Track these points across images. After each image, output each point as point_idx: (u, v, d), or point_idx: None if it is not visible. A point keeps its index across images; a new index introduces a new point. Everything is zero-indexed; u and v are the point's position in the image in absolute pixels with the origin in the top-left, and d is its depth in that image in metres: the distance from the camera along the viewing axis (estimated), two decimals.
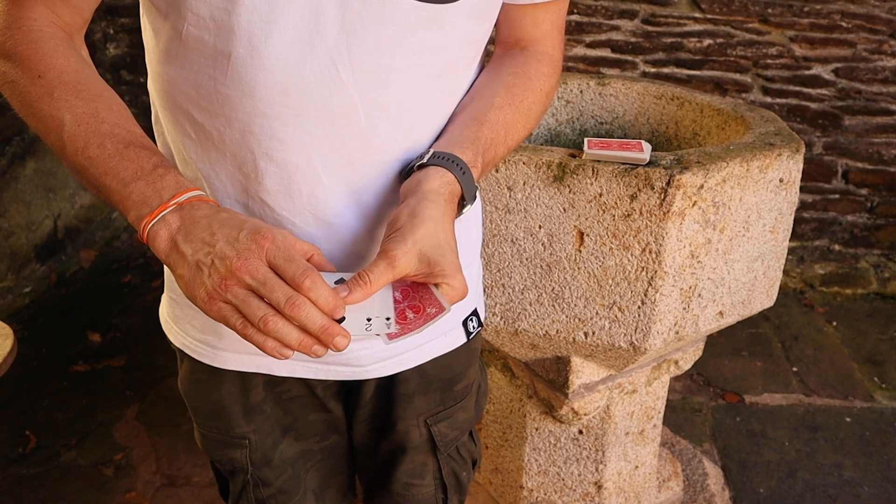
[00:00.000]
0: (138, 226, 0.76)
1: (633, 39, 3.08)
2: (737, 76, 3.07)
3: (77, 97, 0.80)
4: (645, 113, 1.79)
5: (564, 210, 1.35)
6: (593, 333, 1.42)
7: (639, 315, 1.38)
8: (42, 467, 2.17)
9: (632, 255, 1.34)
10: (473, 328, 1.09)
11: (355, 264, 0.94)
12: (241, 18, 0.79)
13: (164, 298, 1.10)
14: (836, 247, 3.27)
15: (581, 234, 1.36)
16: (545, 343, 1.50)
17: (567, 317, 1.42)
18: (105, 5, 3.40)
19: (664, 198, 1.29)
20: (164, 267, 1.05)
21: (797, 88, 3.06)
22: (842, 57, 3.00)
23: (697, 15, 3.01)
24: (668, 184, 1.28)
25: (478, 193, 0.95)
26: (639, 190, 1.30)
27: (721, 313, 1.46)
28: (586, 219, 1.34)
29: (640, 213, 1.31)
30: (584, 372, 1.57)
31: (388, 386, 1.10)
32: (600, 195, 1.32)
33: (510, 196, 1.37)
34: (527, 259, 1.40)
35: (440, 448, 1.16)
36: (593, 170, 1.31)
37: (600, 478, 1.79)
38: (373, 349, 1.01)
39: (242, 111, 0.84)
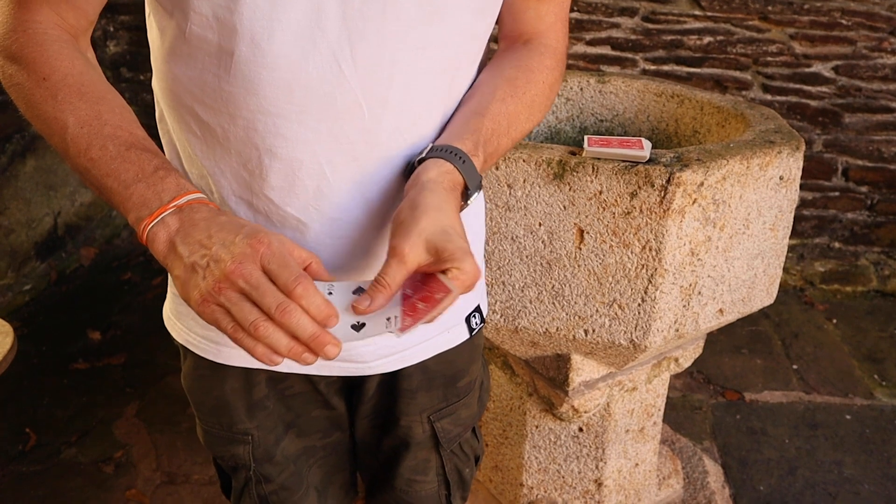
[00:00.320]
0: (138, 227, 0.77)
1: (633, 37, 3.08)
2: (737, 74, 3.07)
3: (81, 99, 0.80)
4: (645, 110, 1.79)
5: (564, 208, 1.35)
6: (593, 331, 1.42)
7: (639, 312, 1.38)
8: (42, 465, 2.17)
9: (632, 252, 1.34)
10: (476, 324, 1.09)
11: (361, 259, 0.95)
12: (243, 17, 0.79)
13: (167, 295, 1.11)
14: (837, 244, 3.27)
15: (581, 232, 1.36)
16: (545, 341, 1.50)
17: (567, 314, 1.42)
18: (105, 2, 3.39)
19: (664, 195, 1.29)
20: None
21: (797, 86, 3.06)
22: (842, 54, 3.00)
23: (697, 12, 3.01)
24: (668, 181, 1.28)
25: (482, 185, 0.95)
26: (639, 187, 1.30)
27: (721, 311, 1.46)
28: (586, 216, 1.34)
29: (641, 210, 1.31)
30: (584, 369, 1.57)
31: (391, 382, 1.10)
32: (600, 193, 1.32)
33: (510, 194, 1.37)
34: (527, 257, 1.40)
35: (443, 444, 1.16)
36: (593, 167, 1.31)
37: (600, 475, 1.79)
38: (375, 345, 1.01)
39: (246, 109, 0.84)
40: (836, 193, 3.20)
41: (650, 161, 1.31)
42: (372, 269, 0.96)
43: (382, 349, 1.02)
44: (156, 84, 0.95)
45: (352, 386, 1.13)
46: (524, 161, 1.34)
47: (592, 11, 3.06)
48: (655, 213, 1.30)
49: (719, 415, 2.46)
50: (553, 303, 1.42)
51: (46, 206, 3.15)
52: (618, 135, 1.81)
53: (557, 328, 1.44)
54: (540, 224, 1.37)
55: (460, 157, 0.86)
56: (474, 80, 0.97)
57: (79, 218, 3.34)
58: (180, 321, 1.06)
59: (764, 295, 1.53)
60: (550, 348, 1.55)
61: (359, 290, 0.78)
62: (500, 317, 1.47)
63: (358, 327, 0.77)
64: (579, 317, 1.42)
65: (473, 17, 0.89)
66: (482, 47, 0.96)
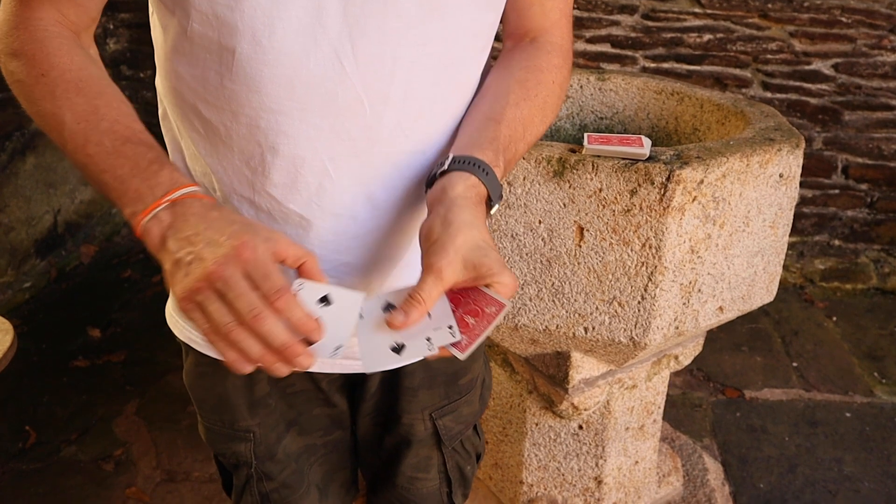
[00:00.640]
0: (133, 222, 0.77)
1: (633, 34, 3.07)
2: (737, 71, 3.07)
3: (78, 95, 0.81)
4: (645, 108, 1.78)
5: (564, 205, 1.35)
6: (593, 329, 1.42)
7: (639, 310, 1.38)
8: (42, 463, 2.17)
9: (632, 250, 1.34)
10: None
11: (364, 255, 0.94)
12: (244, 14, 0.79)
13: (170, 294, 1.10)
14: (836, 242, 3.27)
15: (581, 230, 1.36)
16: (545, 338, 1.50)
17: (567, 312, 1.42)
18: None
19: (664, 193, 1.29)
20: None
21: (797, 84, 3.06)
22: (842, 52, 3.00)
23: (697, 10, 3.01)
24: (668, 179, 1.28)
25: (503, 195, 0.94)
26: (639, 185, 1.30)
27: (721, 308, 1.46)
28: (586, 214, 1.34)
29: (640, 208, 1.31)
30: (584, 367, 1.57)
31: (393, 380, 1.10)
32: (600, 190, 1.32)
33: (510, 191, 1.37)
34: (527, 254, 1.40)
35: (445, 442, 1.17)
36: (593, 165, 1.31)
37: (600, 473, 1.79)
38: None
39: (248, 106, 0.85)
40: (836, 191, 3.20)
41: (650, 159, 1.31)
42: (375, 265, 0.96)
43: None
44: (159, 82, 0.95)
45: (353, 383, 1.13)
46: (524, 159, 1.34)
47: (592, 9, 3.06)
48: (655, 210, 1.30)
49: (719, 412, 2.46)
50: (553, 300, 1.42)
51: (46, 203, 3.15)
52: (617, 132, 1.81)
53: (557, 326, 1.44)
54: (540, 222, 1.37)
55: (484, 170, 0.85)
56: (480, 78, 0.97)
57: (79, 216, 3.34)
58: (183, 319, 1.06)
59: (764, 292, 1.53)
60: (550, 346, 1.55)
61: (389, 307, 0.77)
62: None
63: (398, 349, 0.75)
64: (579, 314, 1.42)
65: (476, 13, 0.89)
66: (487, 43, 0.95)
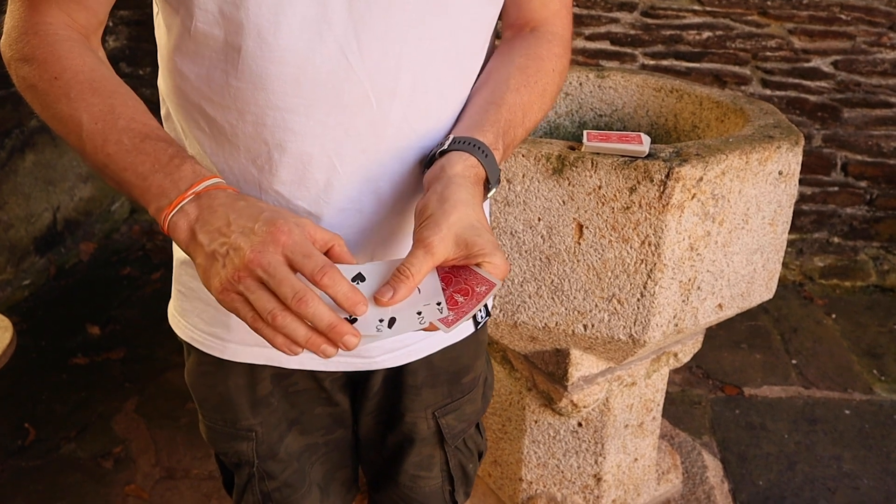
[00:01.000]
0: (159, 218, 0.77)
1: (632, 32, 3.07)
2: (736, 69, 3.07)
3: (93, 95, 0.80)
4: (644, 105, 1.78)
5: (564, 202, 1.35)
6: (592, 326, 1.42)
7: (638, 307, 1.38)
8: (41, 460, 2.17)
9: (631, 247, 1.34)
10: (481, 318, 1.10)
11: (374, 251, 0.95)
12: (249, 12, 0.79)
13: (172, 293, 1.10)
14: (836, 239, 3.27)
15: (580, 227, 1.36)
16: (544, 335, 1.50)
17: (566, 309, 1.42)
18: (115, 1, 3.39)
19: (663, 190, 1.29)
20: (171, 261, 1.06)
21: (796, 81, 3.06)
22: (841, 49, 2.99)
23: (697, 7, 3.01)
24: (667, 176, 1.28)
25: (500, 179, 0.94)
26: (638, 182, 1.30)
27: (720, 306, 1.46)
28: (585, 211, 1.34)
29: (640, 205, 1.31)
30: (583, 364, 1.57)
31: (396, 378, 1.10)
32: (599, 188, 1.32)
33: (509, 188, 1.37)
34: (526, 251, 1.40)
35: (447, 440, 1.16)
36: (592, 162, 1.31)
37: (599, 470, 1.79)
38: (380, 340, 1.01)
39: (255, 104, 0.84)
40: (836, 188, 3.20)
41: (649, 156, 1.30)
42: (380, 257, 0.96)
43: (387, 344, 1.02)
44: (162, 82, 0.95)
45: (356, 382, 1.13)
46: (523, 156, 1.34)
47: (591, 6, 3.06)
48: (654, 207, 1.30)
49: (718, 410, 2.46)
50: (552, 298, 1.42)
51: (45, 201, 3.15)
52: (617, 130, 1.81)
53: (556, 323, 1.44)
54: (539, 219, 1.37)
55: (483, 151, 0.86)
56: (482, 69, 0.97)
57: (78, 213, 3.34)
58: (184, 318, 1.06)
59: (763, 290, 1.53)
60: (549, 343, 1.55)
61: (358, 276, 0.76)
62: (500, 311, 1.47)
63: (389, 323, 0.74)
64: (578, 312, 1.42)
65: (480, 6, 0.89)
66: (490, 35, 0.96)
